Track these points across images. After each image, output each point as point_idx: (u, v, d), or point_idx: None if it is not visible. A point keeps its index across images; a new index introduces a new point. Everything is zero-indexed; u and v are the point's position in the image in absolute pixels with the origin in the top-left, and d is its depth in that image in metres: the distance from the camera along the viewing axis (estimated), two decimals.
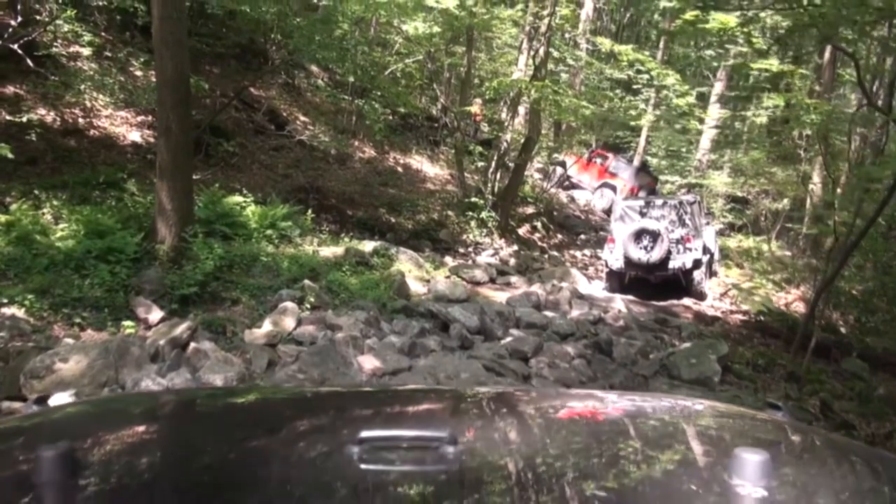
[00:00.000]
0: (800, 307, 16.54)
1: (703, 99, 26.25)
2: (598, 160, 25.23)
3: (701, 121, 21.91)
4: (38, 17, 13.16)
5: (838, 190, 16.69)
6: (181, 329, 7.81)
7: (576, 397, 2.36)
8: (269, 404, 2.12)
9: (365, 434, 1.44)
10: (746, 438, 1.83)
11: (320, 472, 1.47)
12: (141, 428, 1.85)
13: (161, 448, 1.69)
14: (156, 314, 8.73)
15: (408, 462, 1.44)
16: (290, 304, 9.59)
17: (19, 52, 11.80)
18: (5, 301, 7.94)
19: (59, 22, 12.23)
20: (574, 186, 25.24)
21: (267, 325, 9.08)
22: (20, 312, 7.90)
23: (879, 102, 14.85)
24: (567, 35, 24.13)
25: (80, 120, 14.05)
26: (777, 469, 1.35)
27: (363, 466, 1.40)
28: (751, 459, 1.28)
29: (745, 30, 11.86)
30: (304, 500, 1.35)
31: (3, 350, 6.80)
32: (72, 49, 13.87)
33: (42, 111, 13.44)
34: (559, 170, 24.44)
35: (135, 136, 14.53)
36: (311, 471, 1.48)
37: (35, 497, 1.26)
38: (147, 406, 2.11)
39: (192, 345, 7.77)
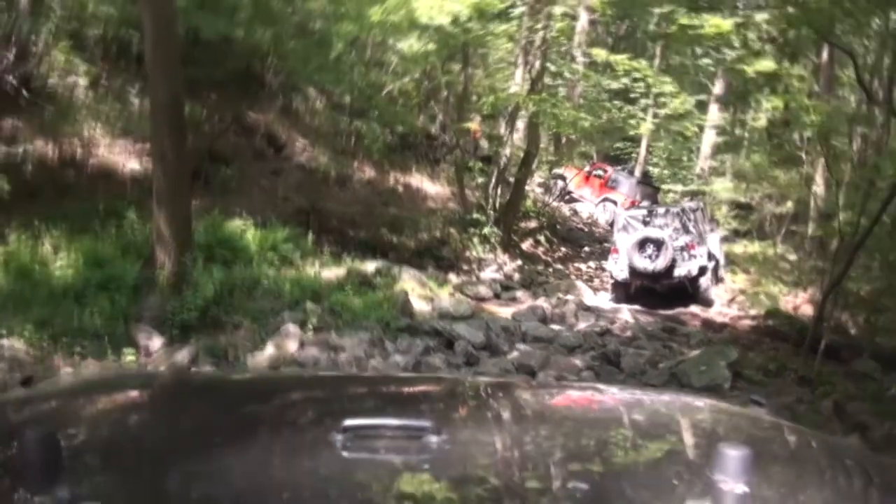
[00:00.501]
0: (808, 310, 16.37)
1: (702, 107, 26.15)
2: (598, 173, 25.15)
3: (700, 128, 21.83)
4: (33, 50, 13.14)
5: (841, 190, 16.57)
6: (182, 355, 7.76)
7: (558, 389, 2.37)
8: (253, 390, 2.11)
9: (349, 422, 1.43)
10: (729, 434, 1.84)
11: (303, 460, 1.44)
12: (126, 410, 1.84)
13: (145, 431, 1.66)
14: (157, 341, 8.66)
15: (391, 451, 1.42)
16: (292, 327, 9.50)
17: (14, 84, 11.77)
18: (4, 333, 7.86)
19: (57, 55, 12.20)
20: (575, 201, 25.14)
21: (269, 349, 8.99)
22: (19, 344, 7.83)
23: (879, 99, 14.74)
24: (563, 48, 24.09)
25: (79, 151, 13.99)
26: (759, 465, 1.33)
27: (346, 455, 1.39)
28: (733, 455, 1.25)
29: (741, 32, 11.80)
30: (286, 487, 1.32)
31: (1, 382, 6.70)
32: (69, 80, 13.83)
33: (40, 143, 13.40)
34: (560, 183, 24.36)
35: (134, 164, 14.45)
36: (295, 458, 1.46)
37: (20, 477, 1.23)
38: (132, 388, 2.09)
39: (193, 370, 7.66)
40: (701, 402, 2.17)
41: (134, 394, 1.99)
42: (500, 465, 1.49)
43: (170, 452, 1.47)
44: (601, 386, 2.93)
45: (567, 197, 24.60)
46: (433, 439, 1.41)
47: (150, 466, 1.41)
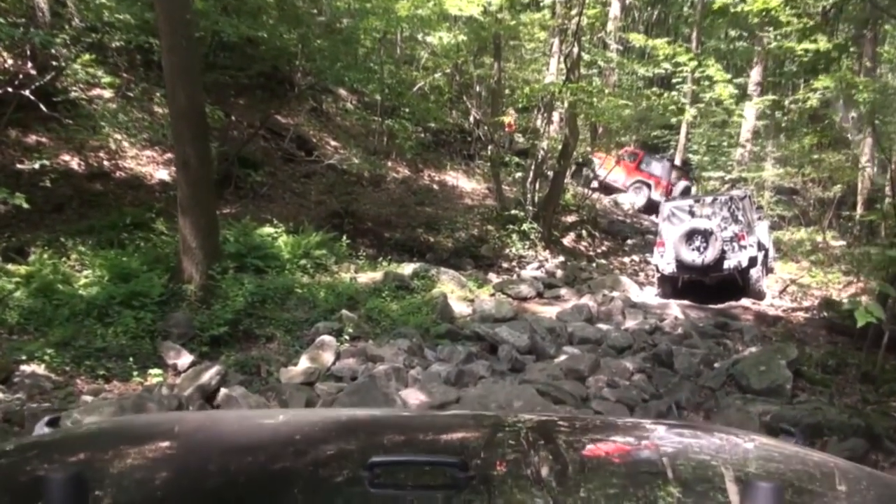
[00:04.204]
0: (865, 300, 15.64)
1: (739, 91, 25.44)
2: (629, 158, 24.39)
3: (741, 111, 21.08)
4: (54, 63, 12.87)
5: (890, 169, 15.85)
6: (209, 375, 7.30)
7: (588, 425, 2.28)
8: (280, 428, 2.09)
9: (376, 459, 1.43)
10: (760, 467, 1.83)
11: (330, 496, 1.46)
12: (152, 451, 1.82)
13: (171, 471, 1.65)
14: (185, 359, 8.26)
15: (418, 488, 1.45)
16: (327, 338, 9.07)
17: (32, 98, 11.49)
18: (24, 358, 7.51)
19: (75, 66, 11.91)
20: (606, 187, 24.22)
21: (304, 362, 8.56)
22: (40, 369, 7.47)
23: None
24: (597, 36, 23.52)
25: (106, 163, 13.77)
26: (791, 498, 1.31)
27: (374, 491, 1.39)
28: (764, 488, 1.23)
29: (785, 10, 11.14)
30: None
31: (18, 414, 6.32)
32: (93, 92, 13.55)
33: (66, 157, 13.17)
34: (585, 170, 23.68)
35: (162, 174, 14.19)
36: (322, 495, 1.47)
37: None
38: (158, 429, 2.07)
39: (223, 391, 7.25)
40: (733, 435, 2.17)
41: (160, 435, 1.96)
42: (527, 501, 1.48)
43: (197, 493, 1.47)
44: (630, 420, 3.02)
45: (597, 183, 23.64)
46: (460, 476, 1.40)
47: None
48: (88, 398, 6.84)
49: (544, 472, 1.69)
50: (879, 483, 1.72)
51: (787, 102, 22.19)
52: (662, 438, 2.06)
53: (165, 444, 1.90)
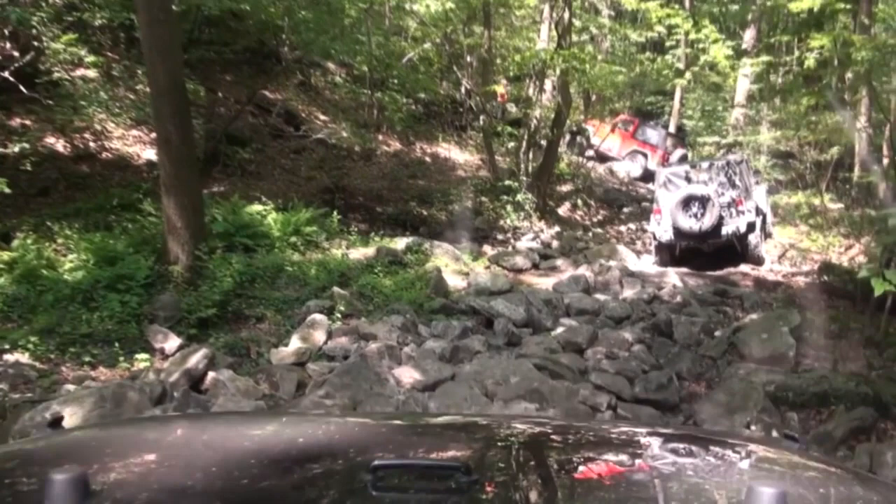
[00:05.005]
0: (865, 261, 15.45)
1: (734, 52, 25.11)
2: (624, 126, 24.07)
3: (739, 69, 20.75)
4: (35, 44, 12.57)
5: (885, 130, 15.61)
6: (196, 359, 7.10)
7: (590, 430, 2.23)
8: (282, 431, 2.08)
9: (378, 462, 1.44)
10: (762, 472, 1.85)
11: (333, 500, 1.46)
12: (153, 453, 1.79)
13: (172, 473, 1.62)
14: (173, 342, 8.06)
15: (421, 491, 1.45)
16: (318, 317, 8.89)
17: (18, 79, 11.20)
18: (7, 347, 7.32)
19: (57, 46, 11.59)
20: (601, 156, 23.89)
21: (295, 342, 8.38)
22: (24, 357, 7.30)
23: None
24: (587, 2, 23.17)
25: (92, 144, 13.53)
26: (792, 503, 1.32)
27: (375, 494, 1.40)
28: (766, 493, 1.25)
29: None
30: None
31: (0, 405, 6.13)
32: (77, 72, 13.24)
33: (51, 139, 12.91)
34: (579, 138, 23.38)
35: (149, 154, 13.91)
36: (324, 498, 1.47)
37: None
38: (159, 431, 2.07)
39: (210, 374, 7.06)
40: (735, 439, 2.22)
41: (162, 437, 1.95)
42: None
43: (199, 494, 1.46)
44: (632, 426, 2.94)
45: (592, 152, 23.31)
46: (463, 479, 1.40)
47: None
48: (72, 387, 6.65)
49: (547, 476, 1.69)
50: (885, 490, 1.70)
51: (784, 60, 21.88)
52: (665, 443, 2.06)
53: (168, 445, 1.88)
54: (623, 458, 1.90)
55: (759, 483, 1.29)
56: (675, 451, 1.97)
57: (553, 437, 2.07)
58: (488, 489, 1.48)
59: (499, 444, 1.97)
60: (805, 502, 1.52)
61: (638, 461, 1.89)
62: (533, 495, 1.54)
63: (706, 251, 14.53)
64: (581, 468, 1.77)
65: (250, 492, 1.48)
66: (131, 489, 1.49)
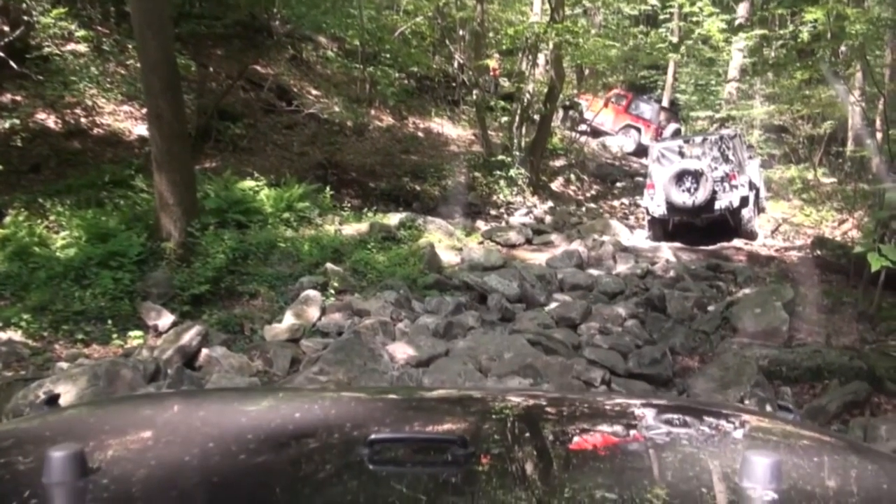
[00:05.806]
0: (858, 235, 15.48)
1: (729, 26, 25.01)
2: (617, 101, 23.99)
3: (735, 41, 20.67)
4: (26, 19, 12.43)
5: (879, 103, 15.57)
6: (190, 336, 7.08)
7: (587, 402, 2.28)
8: (279, 406, 2.08)
9: (375, 436, 1.44)
10: (757, 441, 1.86)
11: (329, 474, 1.47)
12: (150, 430, 1.79)
13: (170, 449, 1.60)
14: (166, 319, 8.04)
15: (418, 464, 1.45)
16: (312, 293, 8.87)
17: (2, 55, 11.08)
18: (0, 325, 7.28)
19: (47, 21, 11.46)
20: (594, 130, 23.80)
21: (289, 319, 8.36)
22: (17, 335, 7.26)
23: None
24: None
25: (83, 120, 13.44)
26: (787, 472, 1.34)
27: (373, 468, 1.41)
28: (761, 462, 1.27)
29: None
30: (313, 501, 1.33)
31: None
32: (67, 47, 13.11)
33: (42, 115, 12.81)
34: (572, 112, 23.30)
35: (141, 129, 13.80)
36: (321, 472, 1.48)
37: (44, 498, 1.27)
38: (157, 407, 2.07)
39: (204, 351, 7.05)
40: (729, 410, 2.23)
41: (159, 413, 1.94)
42: (527, 478, 1.49)
43: (196, 469, 1.47)
44: (626, 398, 2.95)
45: (585, 126, 23.24)
46: (459, 452, 1.41)
47: (176, 483, 1.41)
48: (65, 364, 6.63)
49: (543, 447, 1.70)
50: (880, 459, 1.71)
51: (777, 34, 21.80)
52: (660, 415, 2.06)
53: (165, 422, 1.87)
54: (618, 429, 1.91)
55: (754, 452, 1.31)
56: (669, 422, 1.98)
57: (548, 409, 2.08)
58: (484, 461, 1.48)
59: (494, 416, 1.98)
60: (800, 471, 1.53)
61: (633, 432, 1.90)
62: (529, 467, 1.55)
63: (699, 225, 14.55)
64: (576, 439, 1.79)
65: (247, 467, 1.47)
66: (128, 465, 1.49)
